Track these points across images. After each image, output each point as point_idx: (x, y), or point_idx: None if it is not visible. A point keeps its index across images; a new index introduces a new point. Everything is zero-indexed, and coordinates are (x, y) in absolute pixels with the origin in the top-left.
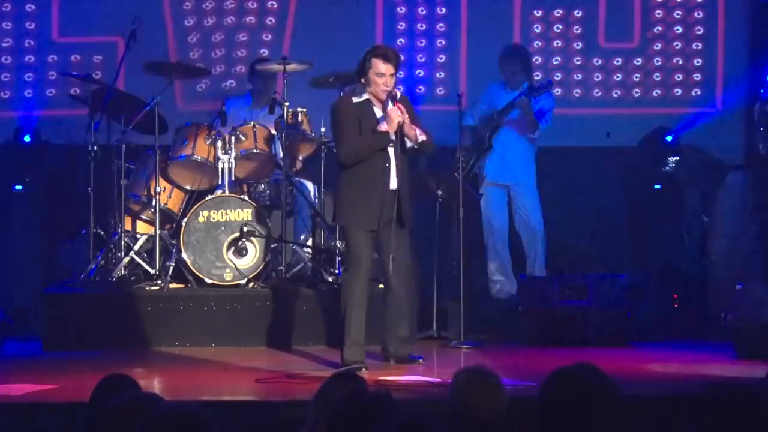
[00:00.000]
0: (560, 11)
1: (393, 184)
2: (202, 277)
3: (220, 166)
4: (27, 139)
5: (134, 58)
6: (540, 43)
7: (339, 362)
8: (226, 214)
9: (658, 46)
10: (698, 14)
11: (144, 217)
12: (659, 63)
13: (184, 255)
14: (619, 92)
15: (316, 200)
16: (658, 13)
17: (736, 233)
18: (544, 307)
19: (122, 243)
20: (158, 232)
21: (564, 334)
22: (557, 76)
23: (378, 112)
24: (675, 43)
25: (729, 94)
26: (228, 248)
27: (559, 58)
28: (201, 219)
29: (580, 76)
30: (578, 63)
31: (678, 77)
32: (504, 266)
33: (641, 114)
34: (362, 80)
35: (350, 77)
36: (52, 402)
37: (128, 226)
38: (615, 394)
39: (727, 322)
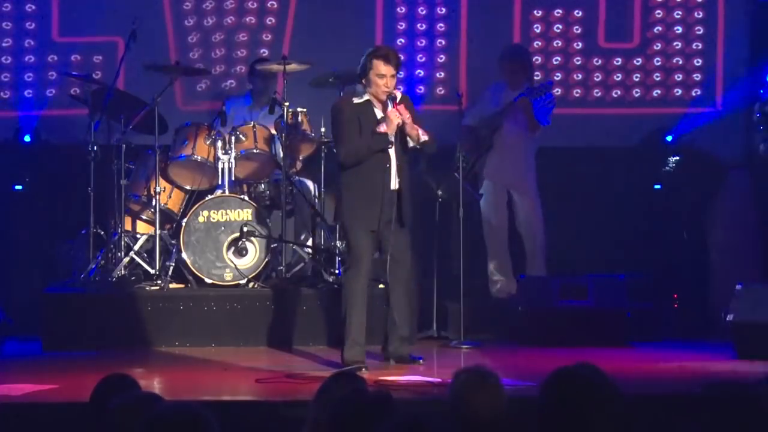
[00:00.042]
0: (560, 11)
1: (393, 184)
2: (202, 277)
3: (220, 166)
4: (27, 139)
5: (134, 58)
6: (540, 43)
7: (339, 362)
8: (226, 214)
9: (658, 46)
10: (698, 14)
11: (144, 217)
12: (659, 63)
13: (184, 255)
14: (619, 92)
15: (316, 200)
16: (658, 13)
17: (735, 233)
18: (544, 307)
19: (122, 243)
20: (158, 232)
21: (564, 334)
22: (557, 76)
23: (378, 113)
24: (675, 43)
25: (729, 94)
26: (228, 248)
27: (559, 58)
28: (201, 219)
29: (580, 76)
30: (578, 63)
31: (678, 77)
32: (504, 266)
33: (641, 114)
34: (363, 81)
35: (350, 77)
36: (52, 402)
37: (128, 226)
38: (615, 394)
39: (727, 322)
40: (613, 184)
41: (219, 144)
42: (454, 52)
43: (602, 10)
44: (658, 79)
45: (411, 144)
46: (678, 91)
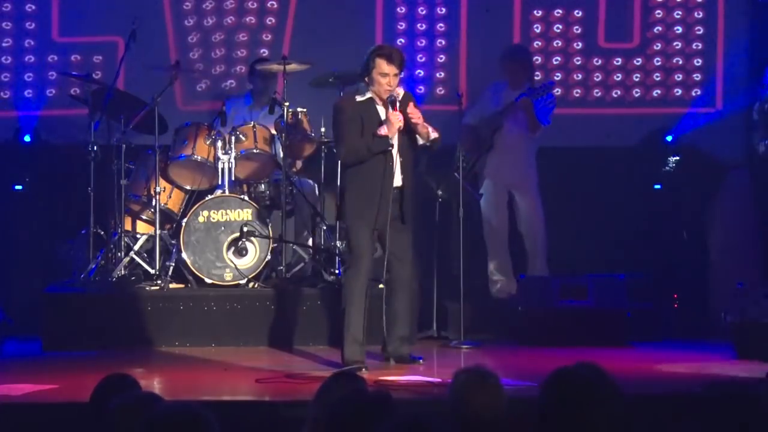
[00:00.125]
0: (560, 11)
1: (397, 181)
2: (202, 277)
3: (220, 166)
4: (27, 139)
5: (134, 58)
6: (540, 43)
7: (339, 362)
8: (226, 214)
9: (658, 46)
10: (698, 14)
11: (144, 217)
12: (659, 63)
13: (184, 255)
14: (619, 92)
15: (317, 200)
16: (658, 13)
17: (735, 233)
18: (544, 307)
19: (122, 243)
20: (158, 232)
21: (564, 334)
22: (557, 76)
23: (381, 111)
24: (675, 43)
25: (729, 94)
26: (228, 248)
27: (559, 58)
28: (201, 219)
29: (580, 76)
30: (578, 63)
31: (678, 77)
32: (504, 266)
33: (641, 114)
34: (366, 79)
35: (350, 77)
36: (52, 402)
37: (128, 226)
38: (615, 393)
39: (727, 322)
40: (613, 184)
41: (219, 144)
42: (454, 52)
43: (602, 10)
44: (658, 79)
45: (421, 142)
46: (678, 91)
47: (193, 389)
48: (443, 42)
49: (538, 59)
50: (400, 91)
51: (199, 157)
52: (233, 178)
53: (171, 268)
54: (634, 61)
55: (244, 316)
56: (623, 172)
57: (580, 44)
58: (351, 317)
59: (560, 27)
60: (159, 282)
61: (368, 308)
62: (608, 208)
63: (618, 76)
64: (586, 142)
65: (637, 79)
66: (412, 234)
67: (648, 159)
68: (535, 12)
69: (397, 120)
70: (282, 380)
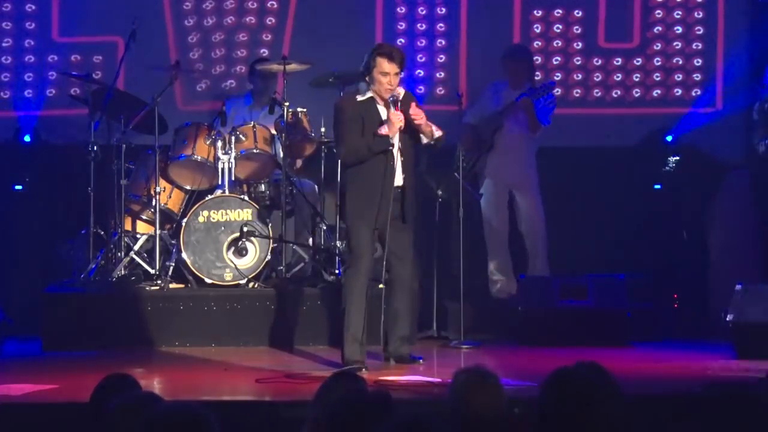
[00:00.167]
0: (560, 11)
1: (398, 180)
2: (202, 277)
3: (220, 166)
4: (27, 139)
5: (134, 58)
6: (540, 43)
7: (339, 362)
8: (226, 214)
9: (658, 46)
10: (698, 14)
11: (144, 217)
12: (659, 63)
13: (184, 255)
14: (619, 92)
15: (317, 200)
16: (658, 13)
17: (735, 233)
18: (544, 307)
19: (122, 243)
20: (158, 232)
21: (564, 334)
22: (557, 76)
23: (382, 110)
24: (675, 43)
25: (729, 94)
26: (228, 248)
27: (559, 58)
28: (201, 219)
29: (580, 76)
30: (578, 63)
31: (678, 77)
32: (504, 266)
33: (641, 114)
34: (366, 78)
35: (350, 77)
36: (52, 402)
37: (128, 226)
38: (615, 393)
39: (727, 322)
40: (613, 184)
41: (219, 144)
42: (454, 52)
43: (602, 10)
44: (658, 79)
45: (425, 141)
46: (678, 91)
47: (193, 389)
48: (443, 42)
49: (538, 59)
50: (401, 91)
51: (199, 157)
52: (233, 178)
53: (171, 268)
54: (634, 61)
55: (244, 316)
56: (623, 172)
57: (580, 44)
58: (351, 317)
59: (560, 27)
60: (159, 282)
61: (368, 308)
62: (608, 208)
63: (618, 76)
64: (586, 142)
65: (637, 79)
66: (412, 233)
67: (648, 159)
68: (535, 12)
69: (398, 120)
70: (282, 380)
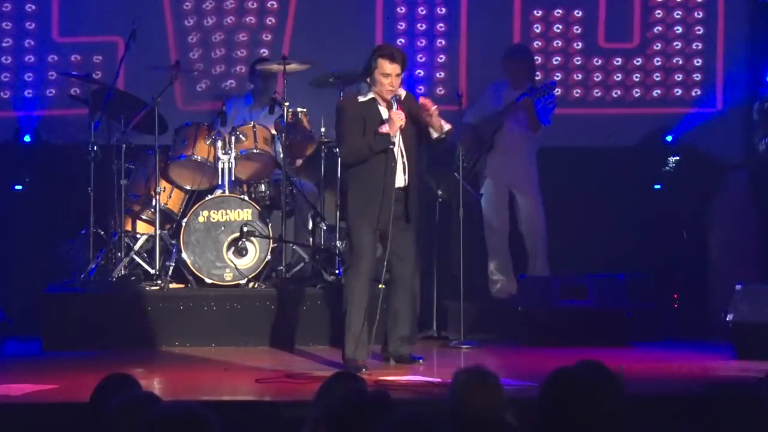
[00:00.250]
0: (560, 11)
1: (400, 181)
2: (202, 277)
3: (220, 166)
4: (27, 139)
5: (134, 58)
6: (540, 43)
7: (340, 362)
8: (226, 214)
9: (658, 46)
10: (698, 14)
11: (144, 217)
12: (659, 63)
13: (184, 255)
14: (619, 92)
15: (317, 200)
16: (658, 13)
17: (735, 233)
18: (544, 307)
19: (122, 243)
20: (158, 232)
21: (564, 334)
22: (557, 76)
23: (383, 111)
24: (675, 43)
25: (729, 94)
26: (228, 248)
27: (559, 58)
28: (201, 219)
29: (580, 76)
30: (578, 63)
31: (678, 77)
32: (504, 266)
33: (641, 114)
34: (368, 80)
35: (350, 77)
36: (52, 402)
37: (128, 226)
38: (615, 393)
39: (727, 322)
40: (613, 184)
41: (219, 144)
42: (454, 52)
43: (602, 10)
44: (658, 79)
45: (435, 135)
46: (678, 91)
47: (193, 389)
48: (443, 42)
49: (538, 59)
50: (402, 93)
51: (199, 157)
52: (233, 178)
53: (171, 268)
54: (634, 61)
55: (244, 316)
56: (623, 172)
57: (580, 44)
58: (352, 317)
59: (560, 27)
60: (159, 282)
61: (369, 308)
62: (608, 208)
63: (618, 76)
64: (586, 142)
65: (637, 79)
66: (415, 234)
67: (648, 159)
68: (535, 12)
69: (398, 118)
70: (282, 380)
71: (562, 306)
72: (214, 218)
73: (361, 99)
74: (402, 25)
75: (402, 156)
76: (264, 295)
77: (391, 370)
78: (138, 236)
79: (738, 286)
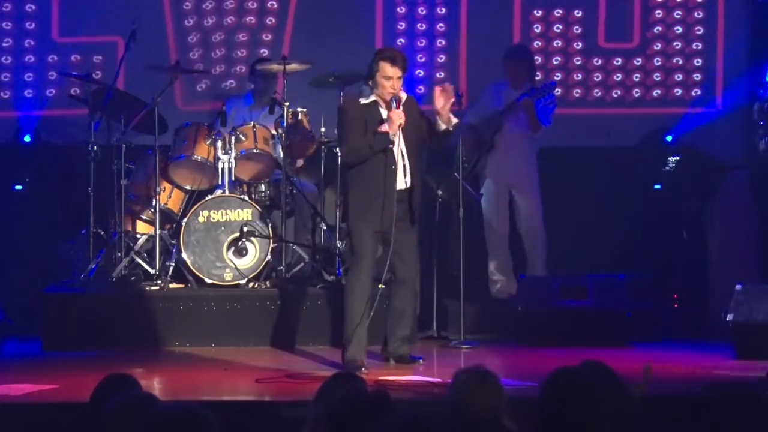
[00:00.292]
0: (560, 11)
1: (401, 182)
2: (202, 277)
3: (220, 166)
4: (27, 139)
5: (134, 58)
6: (540, 43)
7: (339, 362)
8: (226, 214)
9: (658, 46)
10: (698, 14)
11: (144, 217)
12: (659, 63)
13: (184, 255)
14: (619, 92)
15: (317, 200)
16: (658, 13)
17: (735, 233)
18: (544, 307)
19: (122, 243)
20: (158, 232)
21: (564, 334)
22: (557, 76)
23: (384, 114)
24: (675, 43)
25: (729, 94)
26: (228, 248)
27: (559, 58)
28: (201, 219)
29: (580, 76)
30: (578, 63)
31: (678, 77)
32: (504, 266)
33: (641, 114)
34: (369, 82)
35: (350, 77)
36: (52, 402)
37: (128, 226)
38: (616, 393)
39: (727, 322)
40: (613, 184)
41: (219, 144)
42: (454, 52)
43: (602, 10)
44: (658, 79)
45: (443, 127)
46: (678, 91)
47: (193, 389)
48: (443, 42)
49: (538, 59)
50: (403, 95)
51: (199, 157)
52: (233, 178)
53: (171, 268)
54: (634, 61)
55: (244, 316)
56: (623, 172)
57: (580, 44)
58: (352, 317)
59: (560, 27)
60: (159, 282)
61: (369, 309)
62: (608, 208)
63: (618, 76)
64: (586, 142)
65: (637, 79)
66: (416, 234)
67: (648, 159)
68: (535, 12)
69: (398, 117)
70: (282, 380)
71: (562, 306)
72: (214, 218)
73: (362, 101)
74: (402, 25)
75: (403, 158)
76: (264, 295)
77: (391, 370)
78: (138, 236)
79: (738, 286)
